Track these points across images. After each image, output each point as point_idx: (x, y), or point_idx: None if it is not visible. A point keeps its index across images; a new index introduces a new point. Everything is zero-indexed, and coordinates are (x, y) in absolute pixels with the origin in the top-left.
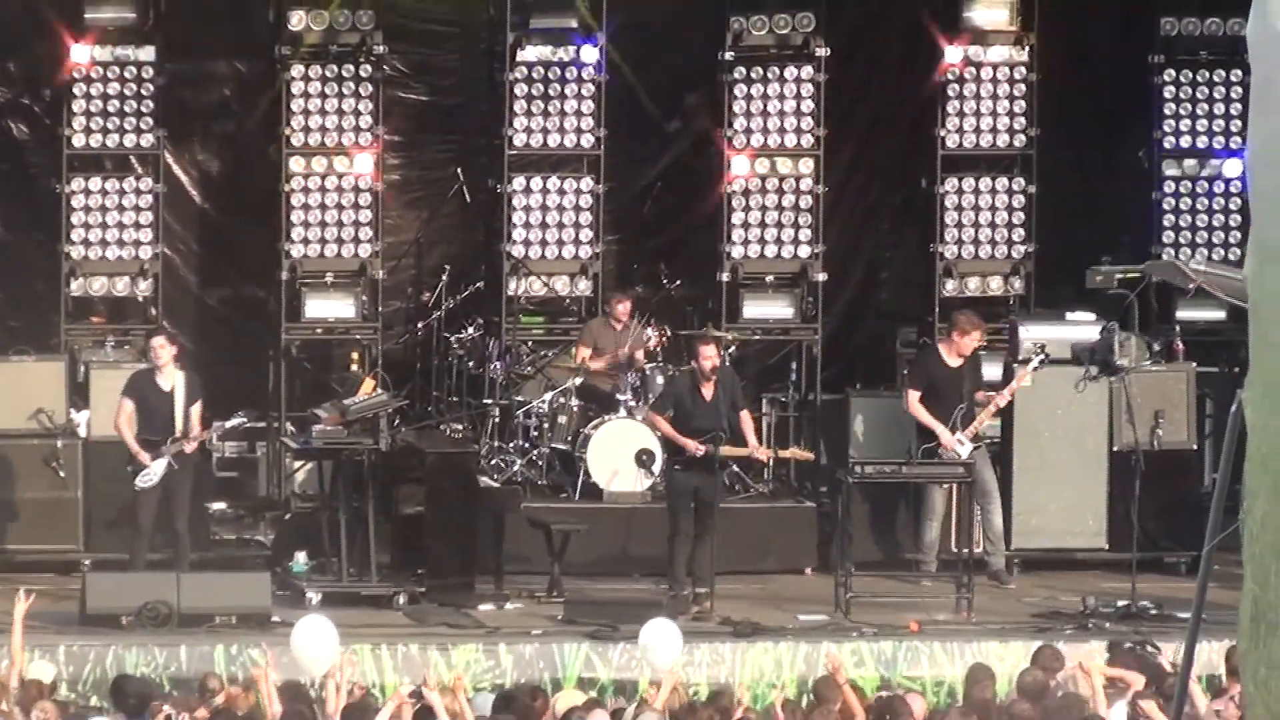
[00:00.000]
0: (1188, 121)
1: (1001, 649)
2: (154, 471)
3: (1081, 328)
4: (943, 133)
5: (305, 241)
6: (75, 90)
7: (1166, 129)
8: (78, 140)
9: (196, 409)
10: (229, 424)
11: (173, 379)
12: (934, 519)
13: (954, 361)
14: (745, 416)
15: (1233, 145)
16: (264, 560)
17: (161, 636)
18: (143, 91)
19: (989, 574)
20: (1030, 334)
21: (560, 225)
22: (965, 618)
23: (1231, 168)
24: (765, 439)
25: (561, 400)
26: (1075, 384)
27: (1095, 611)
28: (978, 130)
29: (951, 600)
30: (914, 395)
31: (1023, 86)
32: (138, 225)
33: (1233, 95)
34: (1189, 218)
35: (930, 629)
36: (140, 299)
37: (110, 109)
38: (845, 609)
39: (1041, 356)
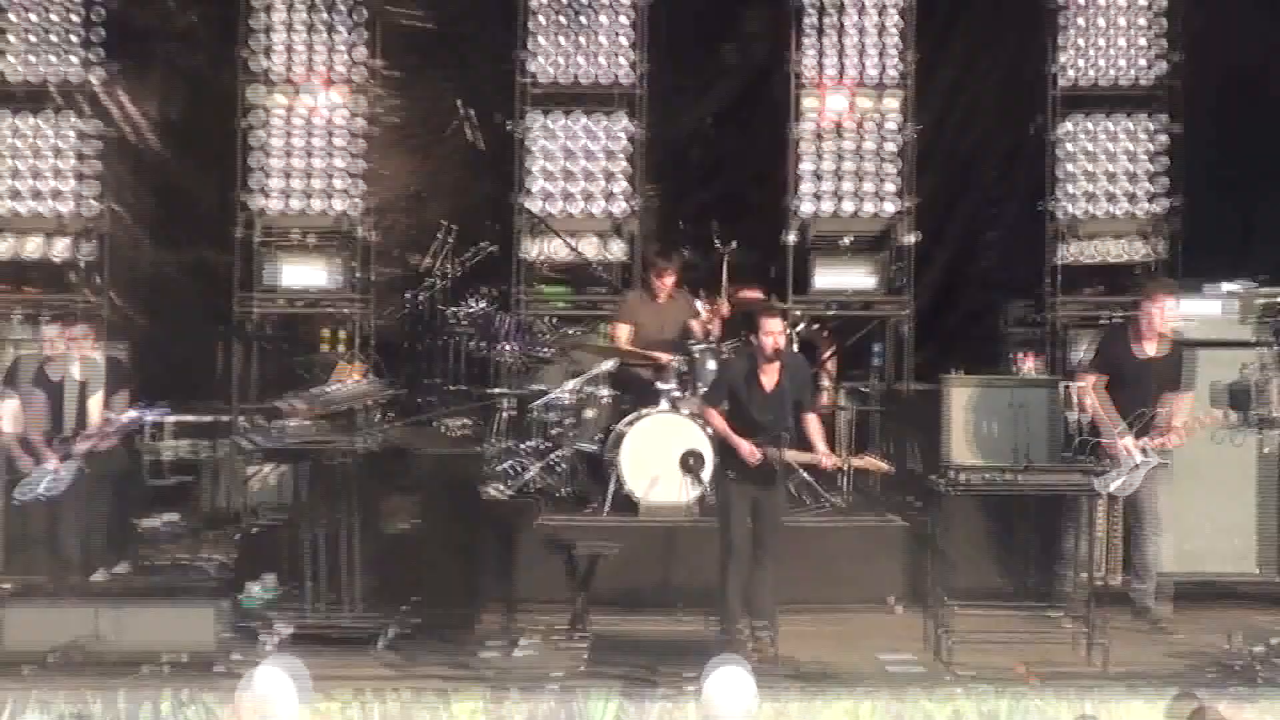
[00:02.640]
0: None
1: (1132, 704)
2: (34, 480)
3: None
4: (1055, 65)
5: (268, 193)
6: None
7: None
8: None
9: (96, 401)
10: (124, 418)
11: (63, 368)
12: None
13: (1142, 351)
14: (813, 420)
15: None
16: (211, 590)
17: (88, 680)
18: (91, 16)
19: (1134, 611)
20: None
21: (589, 175)
22: (1087, 660)
23: None
24: (840, 441)
25: (589, 390)
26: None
27: (1252, 655)
28: (1101, 61)
29: (1076, 640)
30: (1092, 379)
31: (1161, 3)
32: (79, 175)
33: None
34: None
35: (1046, 675)
36: (82, 264)
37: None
38: (940, 651)
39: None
